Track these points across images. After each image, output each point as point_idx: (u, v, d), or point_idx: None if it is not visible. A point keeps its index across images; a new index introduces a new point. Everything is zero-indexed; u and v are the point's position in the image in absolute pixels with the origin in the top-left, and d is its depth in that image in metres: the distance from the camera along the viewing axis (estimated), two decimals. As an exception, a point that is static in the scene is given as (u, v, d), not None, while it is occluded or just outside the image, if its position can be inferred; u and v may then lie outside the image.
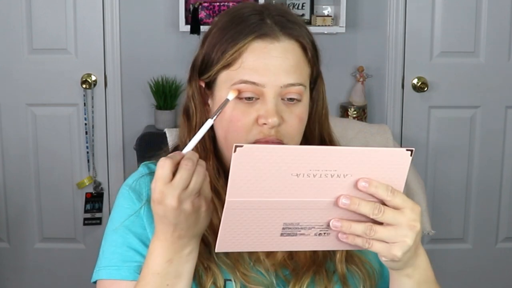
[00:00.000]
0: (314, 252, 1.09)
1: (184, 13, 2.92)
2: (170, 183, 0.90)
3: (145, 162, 1.20)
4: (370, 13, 3.11)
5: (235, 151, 0.83)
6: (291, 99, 1.06)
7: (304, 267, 1.08)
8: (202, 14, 2.91)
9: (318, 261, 1.09)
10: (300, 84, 1.06)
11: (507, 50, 3.14)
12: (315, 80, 1.14)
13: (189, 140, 0.98)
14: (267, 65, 1.04)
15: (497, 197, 3.24)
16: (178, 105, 3.04)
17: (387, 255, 0.91)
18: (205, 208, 0.95)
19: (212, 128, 1.08)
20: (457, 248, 3.26)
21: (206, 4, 2.92)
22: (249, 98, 1.05)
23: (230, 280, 1.04)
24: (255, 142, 1.05)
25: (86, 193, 3.13)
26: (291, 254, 1.10)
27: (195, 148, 0.98)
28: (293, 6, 2.97)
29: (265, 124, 1.04)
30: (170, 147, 1.23)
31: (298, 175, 0.86)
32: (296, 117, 1.07)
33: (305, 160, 0.86)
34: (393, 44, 3.12)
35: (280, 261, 1.09)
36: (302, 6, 2.99)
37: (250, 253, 1.08)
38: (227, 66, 1.06)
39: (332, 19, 2.97)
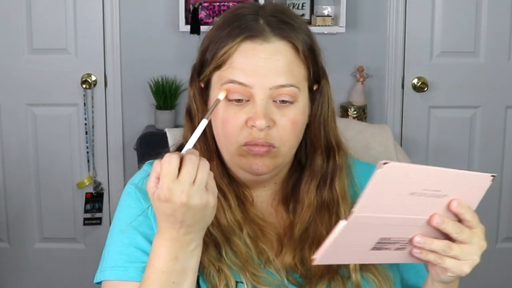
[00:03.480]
0: None
1: (184, 13, 2.92)
2: (177, 179, 0.89)
3: (149, 161, 1.18)
4: (370, 13, 3.11)
5: (380, 167, 0.82)
6: (283, 101, 1.04)
7: (317, 274, 1.07)
8: (202, 14, 2.91)
9: (332, 269, 1.08)
10: (292, 85, 1.04)
11: (507, 50, 3.14)
12: (317, 82, 1.12)
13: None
14: (255, 66, 1.03)
15: (497, 197, 3.24)
16: (178, 105, 3.05)
17: (455, 271, 0.96)
18: (212, 204, 0.93)
19: (211, 128, 1.09)
20: (457, 248, 3.26)
21: (206, 4, 2.92)
22: (238, 100, 1.04)
23: (242, 282, 1.03)
24: (245, 144, 1.04)
25: (86, 193, 3.12)
26: (302, 260, 1.09)
27: (198, 150, 0.98)
28: (293, 6, 2.97)
29: (254, 126, 1.03)
30: (172, 146, 1.22)
31: (413, 194, 0.88)
32: (288, 120, 1.05)
33: (425, 180, 0.88)
34: (393, 44, 3.12)
35: (289, 264, 1.09)
36: (302, 6, 2.99)
37: (260, 254, 1.07)
38: (218, 67, 1.05)
39: (332, 19, 2.97)
